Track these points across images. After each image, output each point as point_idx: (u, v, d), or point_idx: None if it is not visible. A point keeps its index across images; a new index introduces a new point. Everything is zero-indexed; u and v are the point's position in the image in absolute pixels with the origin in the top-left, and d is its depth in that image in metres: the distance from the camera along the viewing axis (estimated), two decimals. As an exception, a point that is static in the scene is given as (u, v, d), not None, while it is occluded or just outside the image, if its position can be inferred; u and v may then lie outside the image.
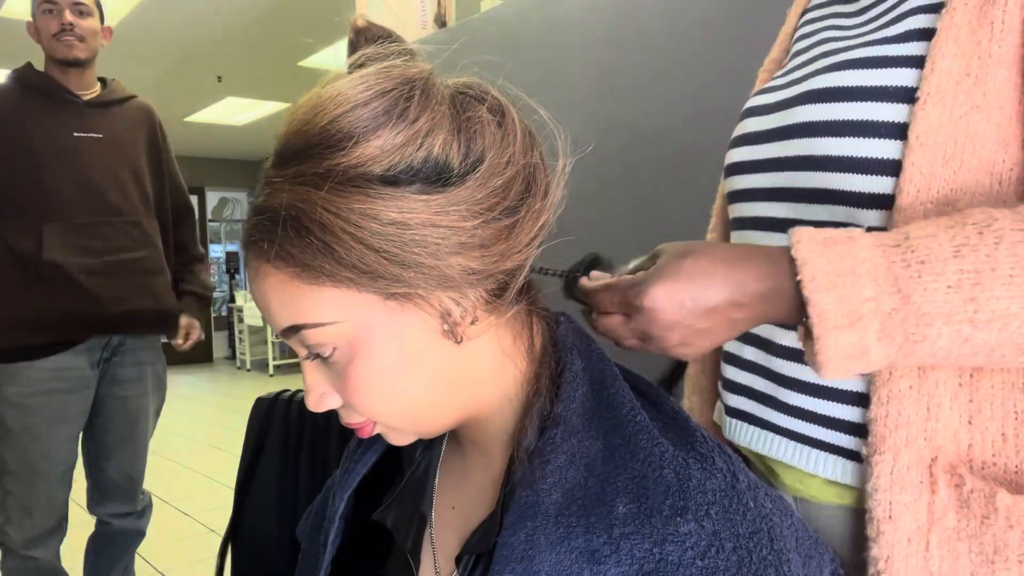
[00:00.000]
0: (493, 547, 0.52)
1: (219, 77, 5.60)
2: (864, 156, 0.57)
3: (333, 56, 5.54)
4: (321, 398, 0.55)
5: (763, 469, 0.71)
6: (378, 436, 0.67)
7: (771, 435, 0.68)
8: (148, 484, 3.91)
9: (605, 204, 1.46)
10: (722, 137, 0.79)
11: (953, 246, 0.48)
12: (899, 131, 0.56)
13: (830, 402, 0.62)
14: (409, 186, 0.49)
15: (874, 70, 0.58)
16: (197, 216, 2.36)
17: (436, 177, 0.50)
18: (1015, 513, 0.52)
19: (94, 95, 1.98)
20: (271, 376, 7.86)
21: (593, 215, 1.40)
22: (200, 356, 9.40)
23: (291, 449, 1.26)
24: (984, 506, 0.53)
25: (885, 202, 0.57)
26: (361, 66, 0.53)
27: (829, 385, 0.62)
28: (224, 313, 9.78)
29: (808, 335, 0.51)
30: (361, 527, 0.68)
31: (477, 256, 0.50)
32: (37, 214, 1.81)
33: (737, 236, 0.72)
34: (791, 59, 0.73)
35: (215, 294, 9.99)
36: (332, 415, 0.58)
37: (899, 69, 0.57)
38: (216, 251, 10.20)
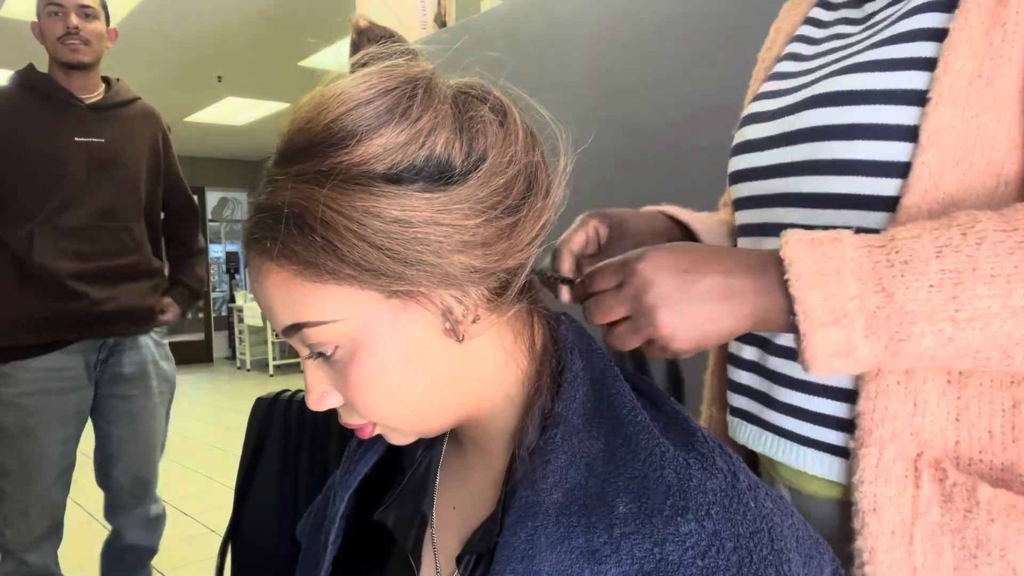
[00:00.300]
0: (494, 547, 0.52)
1: (219, 77, 5.60)
2: (874, 159, 0.58)
3: (333, 56, 5.54)
4: (322, 397, 0.55)
5: (764, 461, 0.72)
6: (379, 436, 0.67)
7: (766, 433, 0.68)
8: (148, 484, 3.88)
9: (602, 204, 1.45)
10: (722, 137, 0.78)
11: (936, 247, 0.49)
12: (909, 133, 0.56)
13: (820, 398, 0.63)
14: (411, 184, 0.49)
15: (883, 73, 0.58)
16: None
17: (438, 176, 0.50)
18: (996, 506, 0.53)
19: (97, 98, 1.97)
20: (271, 376, 7.86)
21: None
22: (200, 356, 9.40)
23: (291, 449, 1.26)
24: (966, 500, 0.54)
25: (893, 205, 0.57)
26: (364, 65, 0.53)
27: (819, 382, 0.63)
28: (224, 313, 9.78)
29: (799, 338, 0.52)
30: (362, 527, 0.68)
31: (479, 254, 0.50)
32: (30, 217, 1.82)
33: (745, 243, 0.73)
34: (786, 60, 0.73)
35: (215, 294, 9.99)
36: (332, 415, 0.58)
37: (909, 72, 0.57)
38: (216, 251, 10.20)
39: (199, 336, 9.49)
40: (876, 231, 0.55)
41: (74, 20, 1.84)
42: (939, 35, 0.56)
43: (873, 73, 0.59)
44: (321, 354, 0.53)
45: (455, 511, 0.62)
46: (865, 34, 0.64)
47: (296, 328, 0.52)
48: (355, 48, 0.57)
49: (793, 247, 0.52)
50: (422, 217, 0.49)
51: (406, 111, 0.50)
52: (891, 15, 0.62)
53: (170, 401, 2.09)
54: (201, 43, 5.12)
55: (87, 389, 1.90)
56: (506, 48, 1.81)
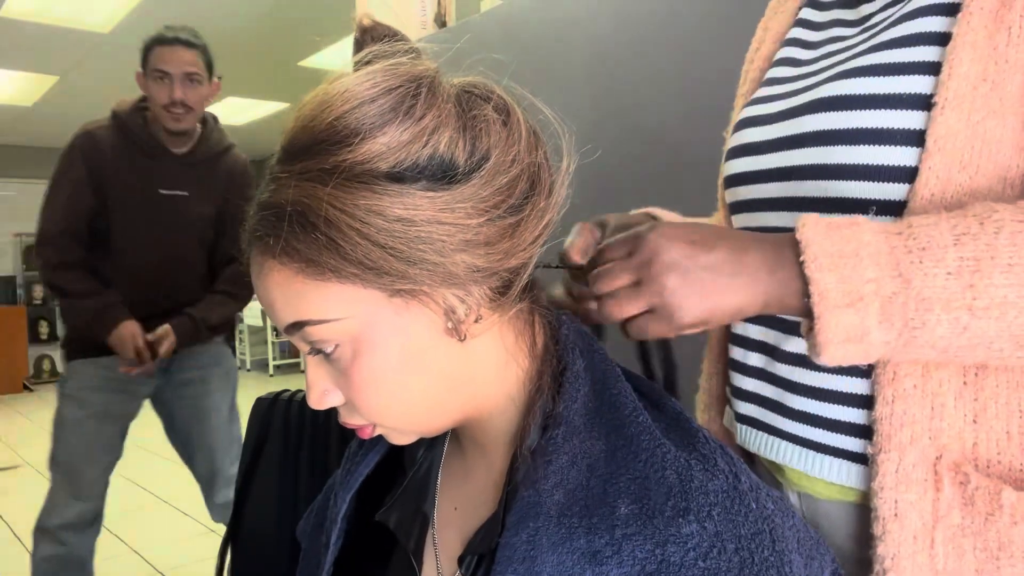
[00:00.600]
0: (495, 547, 0.52)
1: (219, 77, 5.60)
2: (879, 164, 0.57)
3: (333, 56, 5.54)
4: (323, 395, 0.55)
5: (770, 466, 0.72)
6: (380, 436, 0.67)
7: (778, 440, 0.68)
8: (148, 484, 3.90)
9: (603, 203, 1.45)
10: (722, 137, 0.78)
11: (954, 234, 0.49)
12: (915, 138, 0.56)
13: (835, 405, 0.62)
14: (415, 183, 0.49)
15: (886, 77, 0.58)
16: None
17: (441, 175, 0.50)
18: (1020, 510, 0.53)
19: (189, 147, 2.00)
20: (271, 376, 7.86)
21: (592, 214, 1.39)
22: (200, 356, 9.38)
23: (291, 449, 1.26)
24: (989, 503, 0.53)
25: (897, 209, 0.57)
26: (367, 64, 0.53)
27: (834, 388, 0.62)
28: (224, 313, 9.76)
29: (810, 323, 0.52)
30: (363, 527, 0.68)
31: (482, 253, 0.50)
32: (112, 253, 1.96)
33: None
34: (782, 66, 0.72)
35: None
36: (332, 414, 0.58)
37: (912, 76, 0.57)
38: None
39: (199, 336, 9.48)
40: (877, 204, 0.55)
41: (178, 92, 1.87)
42: (942, 39, 0.56)
43: (876, 77, 0.58)
44: (321, 351, 0.53)
45: (456, 511, 0.62)
46: (863, 36, 0.64)
47: (298, 326, 0.52)
48: (359, 47, 0.56)
49: (810, 229, 0.51)
50: (425, 216, 0.48)
51: (410, 110, 0.50)
52: (889, 17, 0.62)
53: (232, 395, 2.20)
54: (201, 43, 5.12)
55: (138, 396, 2.04)
56: (506, 48, 1.81)
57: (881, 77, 0.58)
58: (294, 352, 8.14)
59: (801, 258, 0.51)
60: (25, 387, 7.04)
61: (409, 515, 0.64)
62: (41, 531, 1.89)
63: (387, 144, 0.49)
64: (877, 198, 0.58)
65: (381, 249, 0.48)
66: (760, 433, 0.70)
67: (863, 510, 0.61)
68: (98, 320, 1.88)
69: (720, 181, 0.78)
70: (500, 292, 0.54)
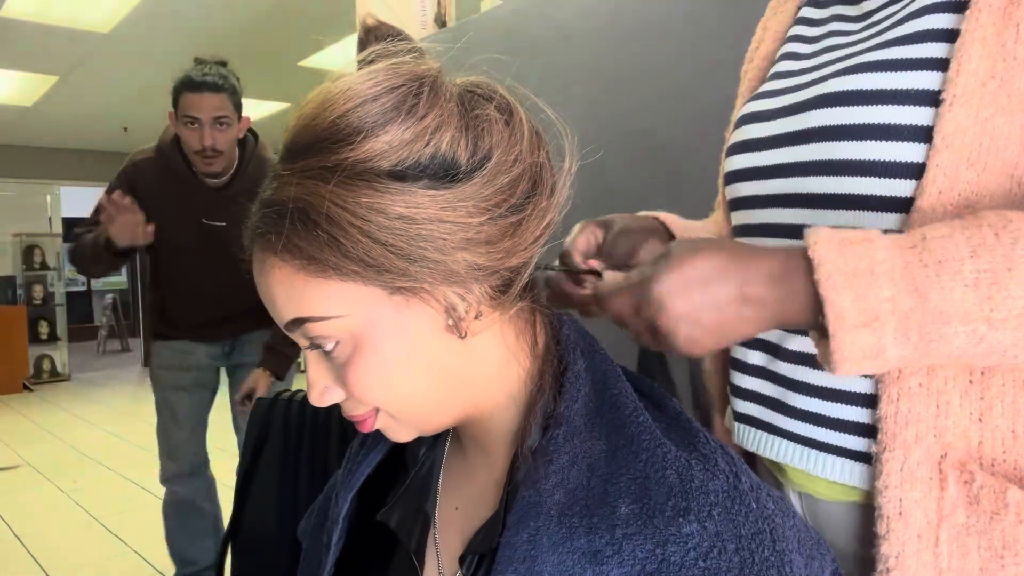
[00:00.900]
0: (496, 547, 0.52)
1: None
2: (886, 160, 0.57)
3: (333, 56, 5.54)
4: (324, 392, 0.55)
5: (770, 466, 0.72)
6: (381, 437, 0.67)
7: (778, 439, 0.68)
8: (148, 484, 3.90)
9: (602, 203, 1.45)
10: (723, 136, 0.78)
11: (970, 247, 0.48)
12: (922, 134, 0.56)
13: (839, 404, 0.62)
14: (416, 182, 0.49)
15: (893, 73, 0.58)
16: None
17: (443, 173, 0.50)
18: None
19: (225, 181, 2.09)
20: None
21: (591, 215, 1.40)
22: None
23: (291, 449, 1.26)
24: (994, 502, 0.53)
25: (903, 205, 0.57)
26: (370, 63, 0.53)
27: (838, 387, 0.62)
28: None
29: (822, 335, 0.51)
30: (364, 527, 0.68)
31: (483, 252, 0.50)
32: (164, 279, 2.21)
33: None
34: (784, 60, 0.72)
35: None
36: (332, 415, 0.58)
37: (920, 72, 0.57)
38: (216, 251, 10.19)
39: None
40: (891, 231, 0.55)
41: (208, 138, 1.94)
42: (950, 36, 0.56)
43: (883, 73, 0.58)
44: (320, 347, 0.53)
45: (457, 511, 0.62)
46: (867, 32, 0.64)
47: (298, 323, 0.52)
48: (362, 46, 0.57)
49: (823, 247, 0.50)
50: (427, 214, 0.49)
51: (412, 108, 0.50)
52: (894, 13, 0.62)
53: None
54: (201, 43, 5.12)
55: (207, 371, 2.29)
56: (506, 48, 1.81)
57: (889, 73, 0.58)
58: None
59: (815, 276, 0.50)
60: (25, 387, 7.04)
61: (411, 515, 0.64)
62: (162, 482, 2.28)
63: (389, 143, 0.49)
64: (883, 194, 0.58)
65: (382, 247, 0.48)
66: (760, 432, 0.70)
67: (865, 510, 0.61)
68: (94, 239, 2.03)
69: (720, 179, 0.78)
70: (501, 290, 0.54)
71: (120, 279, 10.63)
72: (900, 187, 0.57)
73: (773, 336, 0.68)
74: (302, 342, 0.54)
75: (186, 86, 1.93)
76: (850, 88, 0.60)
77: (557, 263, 0.68)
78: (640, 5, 1.52)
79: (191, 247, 2.09)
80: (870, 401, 0.60)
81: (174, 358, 2.24)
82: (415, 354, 0.52)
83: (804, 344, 0.64)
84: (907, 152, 0.56)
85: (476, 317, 0.53)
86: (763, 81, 0.74)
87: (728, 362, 0.76)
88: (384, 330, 0.51)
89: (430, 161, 0.50)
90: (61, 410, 6.03)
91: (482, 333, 0.54)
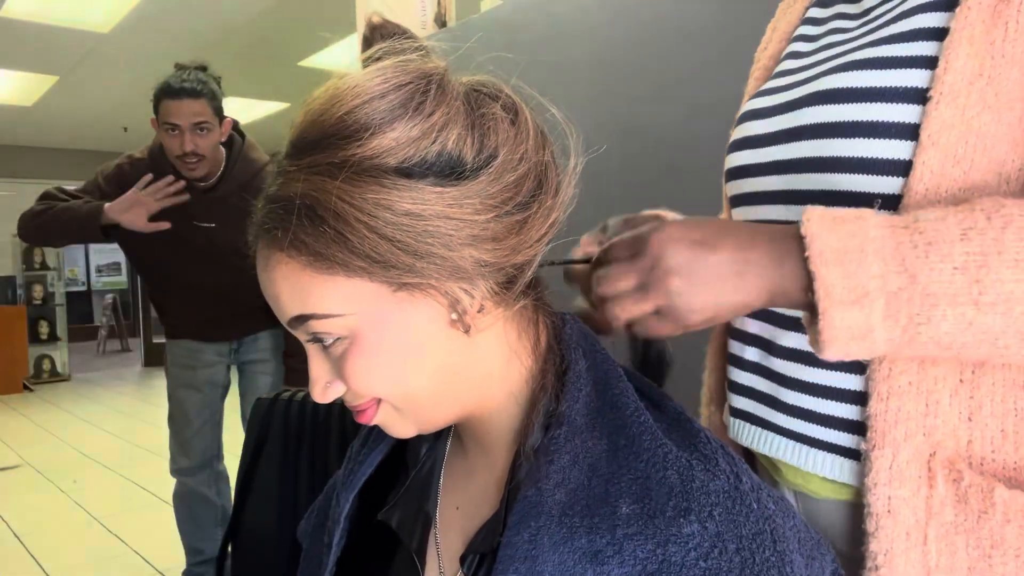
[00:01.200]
0: (497, 547, 0.52)
1: (219, 77, 5.60)
2: (875, 157, 0.57)
3: (333, 56, 5.54)
4: (327, 388, 0.55)
5: (767, 464, 0.72)
6: (382, 437, 0.67)
7: (772, 435, 0.68)
8: (148, 484, 3.90)
9: (602, 203, 1.45)
10: (724, 136, 0.78)
11: (961, 229, 0.49)
12: (910, 132, 0.56)
13: (830, 401, 0.62)
14: (423, 179, 0.49)
15: (883, 71, 0.58)
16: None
17: (449, 171, 0.50)
18: (1012, 508, 0.53)
19: (213, 183, 2.11)
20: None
21: (592, 214, 1.39)
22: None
23: (291, 449, 1.26)
24: (982, 501, 0.54)
25: (894, 203, 0.57)
26: (377, 60, 0.53)
27: (828, 384, 0.62)
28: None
29: (813, 316, 0.51)
30: (365, 527, 0.68)
31: (489, 249, 0.51)
32: (162, 283, 2.28)
33: None
34: (787, 59, 0.73)
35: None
36: (332, 415, 0.58)
37: (909, 70, 0.57)
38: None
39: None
40: (883, 197, 0.55)
41: (188, 144, 1.97)
42: (940, 34, 0.56)
43: (873, 71, 0.59)
44: (320, 341, 0.53)
45: (458, 511, 0.62)
46: (863, 30, 0.64)
47: (302, 319, 0.52)
48: (367, 44, 0.57)
49: (815, 223, 0.51)
50: (433, 211, 0.49)
51: (419, 106, 0.50)
52: (889, 10, 0.62)
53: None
54: (201, 43, 5.11)
55: (216, 368, 2.34)
56: (506, 48, 1.81)
57: (879, 71, 0.58)
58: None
59: (806, 253, 0.51)
60: (25, 387, 7.04)
61: (411, 514, 0.64)
62: (172, 472, 2.34)
63: (396, 139, 0.49)
64: (873, 191, 0.58)
65: (389, 242, 0.48)
66: (754, 427, 0.70)
67: (857, 508, 0.61)
68: (88, 207, 2.01)
69: (724, 177, 0.78)
70: (505, 287, 0.54)
71: (120, 279, 10.64)
72: (890, 184, 0.57)
73: (767, 332, 0.68)
74: (303, 337, 0.54)
75: (165, 93, 1.95)
76: (841, 86, 0.60)
77: (556, 259, 0.67)
78: (640, 5, 1.52)
79: (183, 249, 2.11)
80: (860, 398, 0.60)
81: (184, 356, 2.30)
82: (418, 350, 0.52)
83: (797, 340, 0.65)
84: (896, 149, 0.57)
85: (479, 311, 0.53)
86: (767, 80, 0.74)
87: (726, 358, 0.76)
88: (387, 327, 0.51)
89: (436, 158, 0.50)
90: (61, 410, 6.03)
91: (485, 331, 0.54)
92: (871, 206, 0.58)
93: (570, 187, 0.56)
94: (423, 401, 0.55)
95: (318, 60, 5.65)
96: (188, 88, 1.94)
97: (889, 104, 0.57)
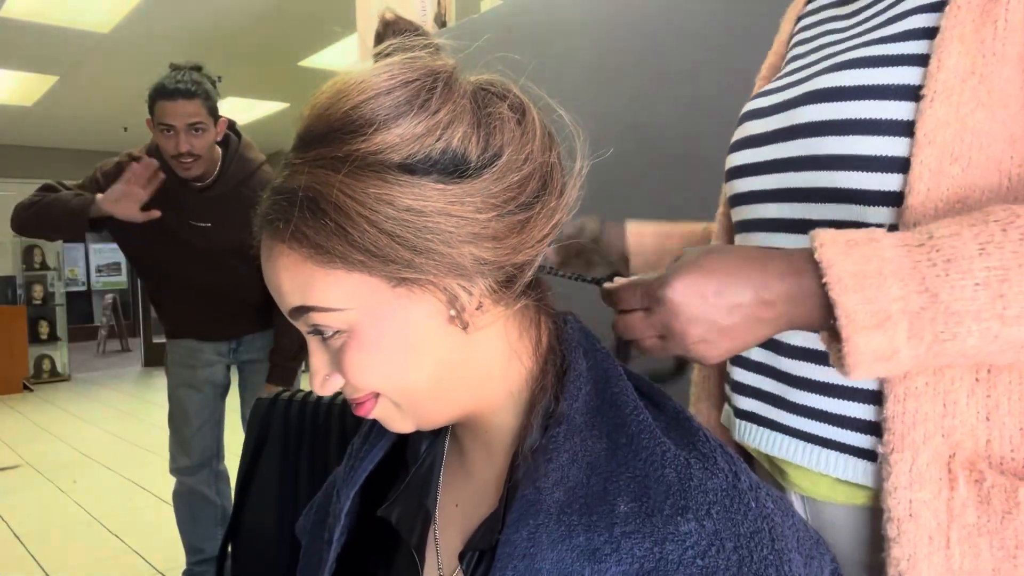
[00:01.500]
0: (496, 544, 0.52)
1: (219, 77, 5.61)
2: (870, 154, 0.58)
3: (333, 56, 5.54)
4: (327, 380, 0.56)
5: (771, 468, 0.71)
6: (383, 434, 0.67)
7: (780, 436, 0.67)
8: (148, 484, 3.89)
9: (604, 202, 1.45)
10: (724, 135, 0.79)
11: (978, 243, 0.48)
12: (905, 128, 0.56)
13: (843, 400, 0.62)
14: (426, 176, 0.50)
15: (876, 69, 0.58)
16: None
17: (453, 168, 0.50)
18: None
19: (209, 182, 2.11)
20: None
21: (591, 210, 1.39)
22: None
23: (291, 449, 1.26)
24: (1005, 501, 0.53)
25: (893, 199, 0.57)
26: (387, 56, 0.53)
27: (841, 383, 0.62)
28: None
29: (834, 338, 0.51)
30: (365, 523, 0.68)
31: (489, 247, 0.51)
32: (161, 283, 2.28)
33: (741, 239, 0.72)
34: (788, 63, 0.73)
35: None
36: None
37: (902, 67, 0.57)
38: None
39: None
40: (878, 226, 0.55)
41: (183, 145, 1.97)
42: (932, 33, 0.57)
43: (867, 69, 0.59)
44: (321, 333, 0.53)
45: (458, 508, 0.62)
46: (856, 30, 0.65)
47: (302, 311, 0.52)
48: (379, 40, 0.57)
49: (829, 249, 0.50)
50: (434, 207, 0.49)
51: (425, 103, 0.50)
52: (882, 11, 0.63)
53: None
54: (201, 43, 5.12)
55: (216, 367, 2.35)
56: (506, 48, 1.81)
57: (872, 69, 0.58)
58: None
59: (824, 279, 0.50)
60: (25, 387, 7.04)
61: (411, 511, 0.64)
62: (171, 471, 2.34)
63: (401, 136, 0.50)
64: (871, 188, 0.58)
65: (388, 237, 0.49)
66: (760, 429, 0.70)
67: (870, 513, 0.61)
68: (78, 199, 1.99)
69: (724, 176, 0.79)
70: (505, 286, 0.54)
71: (120, 279, 10.63)
72: (887, 181, 0.57)
73: None
74: (303, 328, 0.55)
75: (160, 94, 1.96)
76: (836, 84, 0.60)
77: (565, 272, 0.68)
78: (640, 5, 1.52)
79: (180, 249, 2.12)
80: (874, 398, 0.60)
81: (184, 355, 2.31)
82: (416, 346, 0.53)
83: (806, 339, 0.64)
84: (891, 146, 0.57)
85: (478, 309, 0.53)
86: (770, 82, 0.75)
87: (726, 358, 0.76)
88: (386, 322, 0.52)
89: (440, 156, 0.50)
90: (61, 410, 6.03)
91: (485, 329, 0.55)
92: (868, 203, 0.58)
93: (575, 189, 0.56)
94: (421, 397, 0.55)
95: (318, 60, 5.65)
96: (182, 89, 1.95)
97: (883, 101, 0.57)
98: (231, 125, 2.17)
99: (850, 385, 0.61)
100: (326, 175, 0.49)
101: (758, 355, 0.70)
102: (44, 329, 7.50)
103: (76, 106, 6.82)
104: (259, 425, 1.30)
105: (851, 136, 0.58)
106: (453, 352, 0.54)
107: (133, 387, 7.09)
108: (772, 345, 0.68)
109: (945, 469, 0.55)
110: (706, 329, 0.53)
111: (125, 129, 7.52)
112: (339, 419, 1.21)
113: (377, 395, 0.56)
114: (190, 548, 2.39)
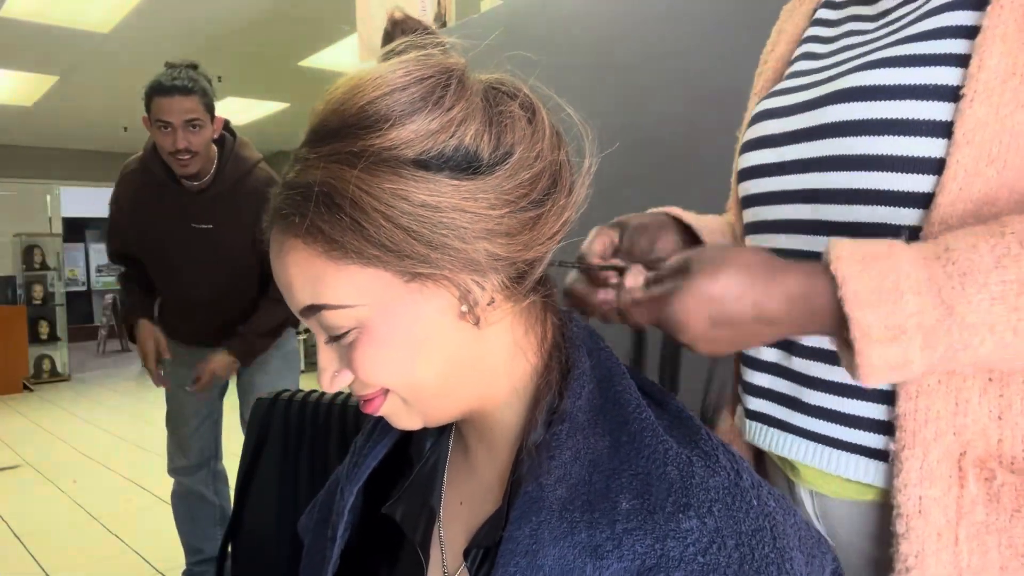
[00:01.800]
0: (499, 541, 0.53)
1: (219, 77, 5.61)
2: (902, 155, 0.57)
3: (333, 56, 5.54)
4: (335, 377, 0.56)
5: (781, 463, 0.71)
6: (387, 431, 0.68)
7: (791, 437, 0.67)
8: (148, 484, 3.90)
9: (605, 202, 1.46)
10: (724, 134, 0.78)
11: (994, 257, 0.48)
12: (941, 129, 0.56)
13: (855, 400, 0.62)
14: (439, 172, 0.50)
15: (911, 68, 0.58)
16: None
17: (466, 165, 0.51)
18: None
19: (206, 183, 2.10)
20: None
21: (595, 208, 1.39)
22: (199, 356, 9.40)
23: (291, 449, 1.26)
24: (1015, 500, 0.53)
25: (919, 200, 0.57)
26: (399, 54, 0.53)
27: (854, 384, 0.62)
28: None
29: (846, 345, 0.51)
30: (369, 520, 0.69)
31: (503, 243, 0.51)
32: (160, 284, 2.28)
33: (755, 240, 0.72)
34: (800, 60, 0.72)
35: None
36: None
37: (939, 67, 0.56)
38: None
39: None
40: (910, 228, 0.54)
41: (181, 142, 1.96)
42: (969, 32, 0.56)
43: (901, 68, 0.58)
44: (337, 339, 0.53)
45: (462, 506, 0.62)
46: (884, 31, 0.64)
47: (314, 309, 0.52)
48: (388, 39, 0.57)
49: (845, 265, 0.50)
50: (449, 203, 0.49)
51: (439, 100, 0.51)
52: (911, 11, 0.62)
53: (290, 375, 2.46)
54: (201, 43, 5.12)
55: None
56: (506, 48, 1.81)
57: (907, 68, 0.58)
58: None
59: (840, 294, 0.50)
60: (25, 387, 7.04)
61: (416, 508, 0.64)
62: (169, 472, 2.36)
63: (415, 132, 0.50)
64: (898, 189, 0.58)
65: (404, 232, 0.49)
66: (773, 430, 0.69)
67: (880, 509, 0.61)
68: (125, 321, 2.27)
69: (733, 177, 0.78)
70: (516, 281, 0.55)
71: (120, 279, 10.62)
72: (917, 182, 0.57)
73: None
74: (318, 332, 0.55)
75: (156, 91, 1.95)
76: (866, 84, 0.60)
77: (576, 262, 0.68)
78: (640, 5, 1.52)
79: (180, 253, 2.12)
80: (887, 397, 0.60)
81: (183, 355, 2.31)
82: (427, 341, 0.53)
83: (819, 340, 0.64)
84: (925, 147, 0.56)
85: (490, 304, 0.53)
86: (778, 81, 0.74)
87: (739, 359, 0.76)
88: (398, 318, 0.52)
89: (454, 152, 0.51)
90: (61, 410, 6.03)
91: (494, 325, 0.55)
92: (894, 204, 0.58)
93: (583, 187, 0.56)
94: (430, 393, 0.55)
95: (318, 60, 5.65)
96: (179, 85, 1.95)
97: (919, 101, 0.57)
98: (226, 124, 2.17)
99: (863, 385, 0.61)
100: (341, 170, 0.49)
101: (770, 356, 0.70)
102: (44, 329, 7.50)
103: (76, 106, 6.82)
104: (259, 425, 1.30)
105: (884, 136, 0.58)
106: (463, 348, 0.54)
107: (133, 387, 7.09)
108: (784, 345, 0.68)
109: (955, 467, 0.56)
110: (712, 345, 0.55)
111: (125, 129, 7.51)
112: (339, 419, 1.21)
113: (386, 392, 0.56)
114: (189, 548, 2.39)
